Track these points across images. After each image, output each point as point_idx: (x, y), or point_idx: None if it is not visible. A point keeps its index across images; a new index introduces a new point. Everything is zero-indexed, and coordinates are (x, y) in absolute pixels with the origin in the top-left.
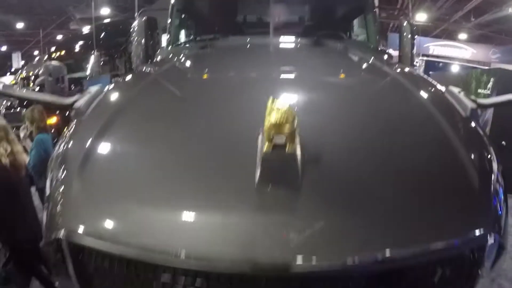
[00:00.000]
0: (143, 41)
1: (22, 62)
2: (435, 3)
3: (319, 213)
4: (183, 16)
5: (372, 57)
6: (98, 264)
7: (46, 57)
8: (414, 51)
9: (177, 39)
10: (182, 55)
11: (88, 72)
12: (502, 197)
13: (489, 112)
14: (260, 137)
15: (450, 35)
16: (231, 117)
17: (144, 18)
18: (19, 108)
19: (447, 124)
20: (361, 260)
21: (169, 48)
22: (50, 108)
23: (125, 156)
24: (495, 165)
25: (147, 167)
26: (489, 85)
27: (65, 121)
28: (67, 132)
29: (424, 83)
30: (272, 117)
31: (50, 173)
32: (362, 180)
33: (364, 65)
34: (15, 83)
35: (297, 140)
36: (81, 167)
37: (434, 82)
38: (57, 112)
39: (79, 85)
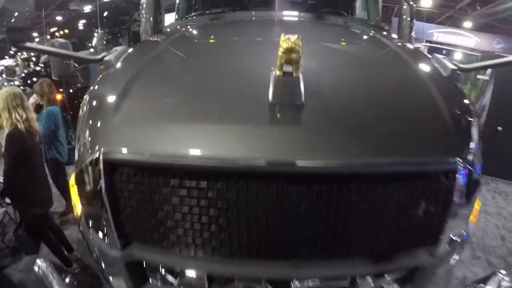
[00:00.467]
0: (151, 18)
1: None
2: None
3: (316, 124)
4: None
5: (369, 29)
6: (130, 177)
7: (48, 37)
8: (414, 33)
9: (186, 13)
10: (193, 25)
11: (92, 50)
12: (476, 137)
13: (487, 98)
14: (273, 70)
15: (454, 23)
16: (247, 60)
17: None
18: (21, 87)
19: (426, 74)
20: (349, 162)
21: (177, 22)
22: (56, 84)
23: (155, 93)
24: (469, 108)
25: (176, 95)
26: (488, 71)
27: (70, 98)
28: (98, 78)
29: (410, 48)
30: (283, 45)
31: (82, 110)
32: (352, 105)
33: (360, 33)
34: (16, 65)
35: (301, 69)
36: (117, 100)
37: (422, 51)
38: (62, 90)
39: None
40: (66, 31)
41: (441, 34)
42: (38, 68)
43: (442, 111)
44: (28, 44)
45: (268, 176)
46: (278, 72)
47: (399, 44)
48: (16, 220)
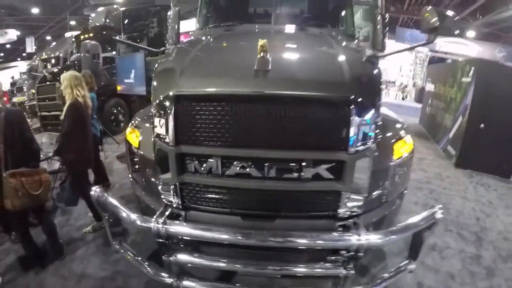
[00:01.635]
0: (176, 26)
1: (35, 47)
2: (442, 1)
3: (275, 77)
4: (209, 7)
5: (333, 36)
6: (184, 105)
7: (73, 39)
8: (386, 39)
9: (205, 24)
10: (214, 34)
11: (113, 52)
12: (372, 90)
13: (469, 98)
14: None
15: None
16: (247, 52)
17: (178, 8)
18: (48, 83)
19: (346, 56)
20: (291, 93)
21: (200, 30)
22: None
23: (199, 64)
24: (367, 72)
25: (214, 63)
26: (470, 73)
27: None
28: (163, 59)
29: (348, 45)
30: (259, 44)
31: (155, 74)
32: (294, 69)
33: (321, 37)
34: (30, 66)
35: (269, 54)
36: (178, 67)
37: (357, 49)
38: None
39: (109, 62)
40: (91, 34)
41: (444, 44)
42: (69, 64)
43: (347, 73)
44: (118, 38)
45: (253, 98)
46: (258, 56)
47: (343, 43)
48: (62, 177)
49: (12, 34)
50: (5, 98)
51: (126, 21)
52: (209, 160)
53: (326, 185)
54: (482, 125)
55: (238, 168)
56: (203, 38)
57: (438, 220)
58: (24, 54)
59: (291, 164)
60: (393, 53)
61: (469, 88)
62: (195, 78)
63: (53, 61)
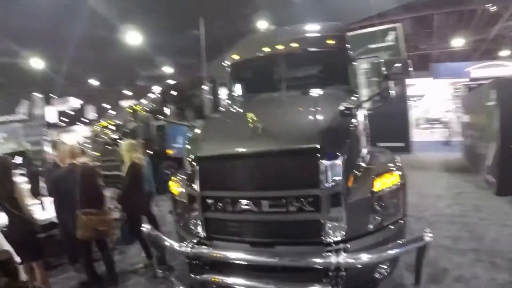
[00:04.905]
0: (211, 97)
1: (94, 114)
2: (468, 24)
3: (265, 137)
4: (235, 82)
5: (330, 95)
6: (205, 163)
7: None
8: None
9: (233, 95)
10: (239, 104)
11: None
12: (335, 143)
13: (498, 122)
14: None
15: (490, 54)
16: (251, 118)
17: (212, 85)
18: (110, 147)
19: (322, 113)
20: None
21: (229, 101)
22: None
23: (217, 132)
24: (333, 127)
25: (224, 133)
26: (494, 96)
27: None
28: (193, 133)
29: (330, 103)
30: (251, 118)
31: (187, 144)
32: (279, 128)
33: (315, 99)
34: (94, 132)
35: (260, 123)
36: (200, 139)
37: (338, 105)
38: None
39: (160, 131)
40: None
41: (478, 70)
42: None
43: (316, 129)
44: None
45: (245, 155)
46: (251, 126)
47: (331, 101)
48: (124, 222)
49: (74, 102)
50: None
51: (175, 93)
52: (223, 200)
53: (309, 216)
54: None
55: (242, 206)
56: (225, 110)
57: (428, 243)
58: (83, 119)
59: (280, 200)
60: (363, 102)
61: (495, 111)
62: (211, 145)
63: (113, 128)
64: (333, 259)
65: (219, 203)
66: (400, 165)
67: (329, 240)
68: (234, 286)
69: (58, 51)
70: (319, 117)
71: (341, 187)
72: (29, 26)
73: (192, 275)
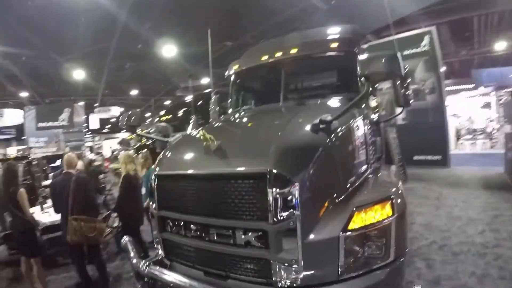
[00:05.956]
0: (217, 109)
1: None
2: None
3: (214, 157)
4: (237, 93)
5: (318, 106)
6: (162, 180)
7: (157, 119)
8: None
9: (236, 106)
10: (237, 114)
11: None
12: (303, 158)
13: None
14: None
15: None
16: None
17: (217, 96)
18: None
19: (286, 129)
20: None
21: (230, 111)
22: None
23: (176, 155)
24: (293, 147)
25: (185, 152)
26: None
27: None
28: (173, 142)
29: (305, 117)
30: (202, 135)
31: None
32: (233, 147)
33: (295, 112)
34: (131, 138)
35: (215, 141)
36: (164, 157)
37: (325, 118)
38: None
39: None
40: (170, 116)
41: None
42: (148, 143)
43: (270, 148)
44: (138, 132)
45: (191, 176)
46: (204, 144)
47: (310, 114)
48: (119, 229)
49: (115, 111)
50: (106, 163)
51: (199, 103)
52: (176, 222)
53: (257, 253)
54: None
55: (192, 230)
56: (209, 125)
57: None
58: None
59: (227, 230)
60: (338, 116)
61: None
62: (171, 162)
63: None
64: None
65: (174, 225)
66: (400, 192)
67: (282, 284)
68: None
69: (99, 63)
70: (284, 133)
71: (295, 222)
72: (73, 39)
73: None
